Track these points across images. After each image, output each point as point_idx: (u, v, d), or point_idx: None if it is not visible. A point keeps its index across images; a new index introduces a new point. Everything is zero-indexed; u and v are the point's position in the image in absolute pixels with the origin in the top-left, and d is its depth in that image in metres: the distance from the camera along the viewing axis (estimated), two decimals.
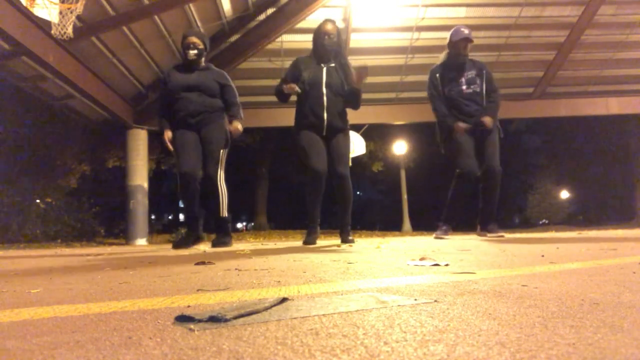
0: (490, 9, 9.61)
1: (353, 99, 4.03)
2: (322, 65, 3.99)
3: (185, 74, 4.05)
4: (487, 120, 4.38)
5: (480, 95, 4.52)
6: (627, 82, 11.66)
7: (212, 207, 4.04)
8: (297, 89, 3.89)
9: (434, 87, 4.57)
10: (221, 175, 4.02)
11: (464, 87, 4.48)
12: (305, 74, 3.95)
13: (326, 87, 3.91)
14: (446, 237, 4.52)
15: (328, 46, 3.97)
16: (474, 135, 4.47)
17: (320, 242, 4.31)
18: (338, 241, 4.18)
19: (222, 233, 4.12)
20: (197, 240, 4.09)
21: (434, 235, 4.68)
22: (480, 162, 4.47)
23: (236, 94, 4.20)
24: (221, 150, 4.04)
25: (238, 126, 4.08)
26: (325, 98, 3.90)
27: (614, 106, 11.76)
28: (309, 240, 3.97)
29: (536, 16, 9.88)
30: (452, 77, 4.51)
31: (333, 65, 4.01)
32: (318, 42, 4.02)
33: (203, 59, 4.15)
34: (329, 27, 4.01)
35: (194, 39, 4.05)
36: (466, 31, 4.47)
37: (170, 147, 4.01)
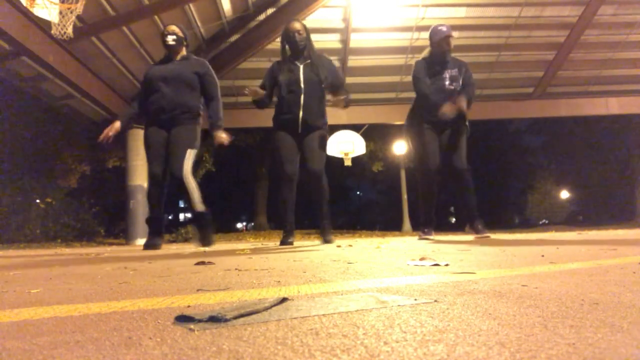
0: (490, 9, 9.62)
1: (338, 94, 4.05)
2: (298, 64, 4.01)
3: (163, 65, 4.06)
4: (449, 109, 4.18)
5: (458, 91, 4.45)
6: (627, 82, 11.66)
7: (187, 204, 3.99)
8: (259, 91, 3.95)
9: (423, 73, 4.46)
10: (187, 169, 3.89)
11: (447, 82, 4.42)
12: (281, 76, 3.99)
13: (304, 84, 3.94)
14: (430, 237, 4.56)
15: (300, 42, 4.00)
16: (442, 132, 4.48)
17: (320, 241, 4.30)
18: (318, 242, 4.17)
19: (201, 229, 3.98)
20: (160, 240, 4.16)
21: (417, 237, 4.71)
22: (447, 161, 4.49)
23: (217, 84, 4.11)
24: (187, 150, 3.92)
25: (222, 136, 3.97)
26: (302, 96, 3.93)
27: (614, 106, 11.77)
28: (285, 242, 3.98)
29: (536, 16, 9.88)
30: (437, 70, 4.45)
31: (308, 62, 4.03)
32: (290, 41, 4.05)
33: (184, 50, 4.13)
34: (297, 25, 4.05)
35: (172, 28, 4.09)
36: (444, 28, 4.43)
37: (106, 135, 3.95)
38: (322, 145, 4.04)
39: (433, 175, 4.47)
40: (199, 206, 3.90)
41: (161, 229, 4.18)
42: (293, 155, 4.00)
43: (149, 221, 4.14)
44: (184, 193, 3.92)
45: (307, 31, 4.07)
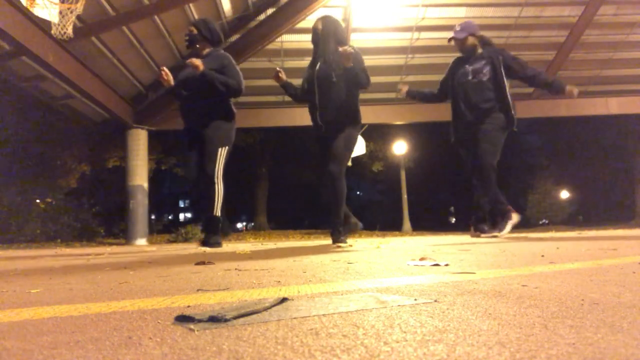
0: (490, 9, 9.61)
1: (354, 80, 3.83)
2: (319, 62, 3.93)
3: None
4: (571, 89, 4.32)
5: (487, 83, 4.44)
6: (627, 82, 11.66)
7: (206, 204, 3.92)
8: (280, 75, 3.90)
9: (446, 73, 4.76)
10: (219, 173, 3.89)
11: (470, 77, 4.52)
12: (304, 77, 3.96)
13: (317, 82, 3.86)
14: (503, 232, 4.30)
15: (313, 42, 3.98)
16: (473, 133, 4.46)
17: (320, 241, 4.30)
18: (330, 241, 4.11)
19: (211, 233, 3.95)
20: (225, 234, 4.01)
21: (488, 234, 4.41)
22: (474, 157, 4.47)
23: (237, 74, 3.95)
24: (219, 149, 3.92)
25: (194, 60, 3.78)
26: (317, 96, 3.85)
27: (614, 106, 11.76)
28: (334, 239, 3.91)
29: (536, 16, 9.88)
30: (461, 67, 4.62)
31: (322, 59, 3.92)
32: (312, 40, 4.05)
33: (207, 46, 4.06)
34: (315, 23, 4.02)
35: (190, 27, 4.07)
36: (457, 28, 4.63)
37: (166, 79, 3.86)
38: (346, 145, 3.91)
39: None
40: (217, 211, 3.87)
41: (222, 223, 4.00)
42: (325, 154, 3.97)
43: (210, 221, 3.98)
44: (209, 194, 3.86)
45: (325, 28, 3.95)
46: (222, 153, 3.94)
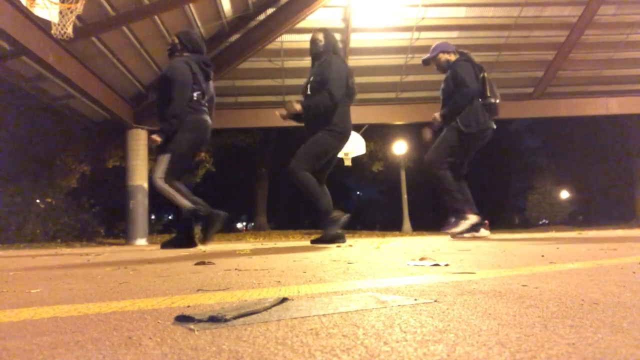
0: (490, 9, 9.61)
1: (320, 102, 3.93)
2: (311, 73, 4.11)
3: None
4: (434, 117, 4.80)
5: (443, 93, 4.84)
6: (627, 82, 11.65)
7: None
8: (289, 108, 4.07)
9: None
10: (156, 175, 3.83)
11: (442, 86, 4.90)
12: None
13: (305, 89, 4.05)
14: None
15: (312, 53, 4.12)
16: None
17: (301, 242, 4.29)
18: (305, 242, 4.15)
19: (178, 230, 4.04)
20: (189, 243, 3.97)
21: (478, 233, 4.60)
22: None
23: (175, 82, 3.82)
24: (161, 156, 3.86)
25: (154, 137, 3.86)
26: (304, 100, 4.03)
27: (614, 106, 11.76)
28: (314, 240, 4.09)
29: (536, 16, 9.88)
30: None
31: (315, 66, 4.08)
32: None
33: (184, 54, 4.08)
34: (315, 35, 4.12)
35: (173, 37, 4.21)
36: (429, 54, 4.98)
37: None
38: (312, 144, 3.94)
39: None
40: (181, 205, 3.80)
41: (189, 230, 4.10)
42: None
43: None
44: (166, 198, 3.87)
45: (327, 36, 4.09)
46: (163, 160, 3.86)
